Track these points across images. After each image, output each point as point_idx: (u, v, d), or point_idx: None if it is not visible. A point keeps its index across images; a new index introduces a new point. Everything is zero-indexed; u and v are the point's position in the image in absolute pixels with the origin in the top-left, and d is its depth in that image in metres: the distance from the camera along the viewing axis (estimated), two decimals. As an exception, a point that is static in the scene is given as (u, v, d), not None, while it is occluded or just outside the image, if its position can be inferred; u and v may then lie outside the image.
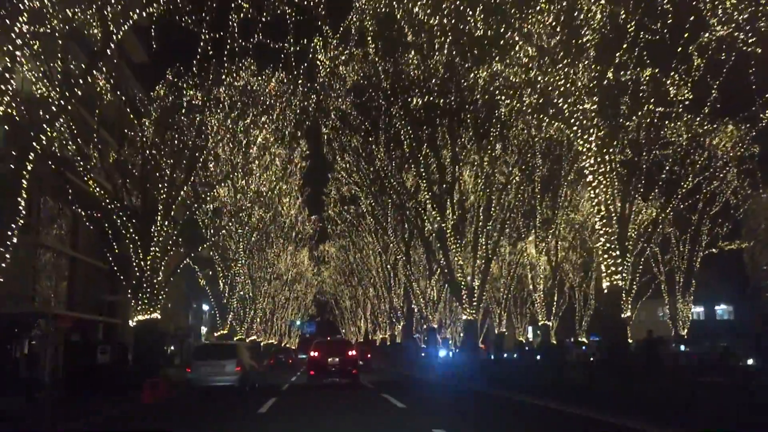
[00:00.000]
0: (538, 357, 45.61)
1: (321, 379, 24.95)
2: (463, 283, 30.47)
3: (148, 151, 23.44)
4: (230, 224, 41.00)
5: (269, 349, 56.22)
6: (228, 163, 39.13)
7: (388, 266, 51.32)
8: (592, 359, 33.85)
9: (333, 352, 25.79)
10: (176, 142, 24.47)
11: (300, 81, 33.76)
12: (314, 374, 25.35)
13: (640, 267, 31.20)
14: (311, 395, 21.23)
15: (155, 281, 23.41)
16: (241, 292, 45.48)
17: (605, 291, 18.23)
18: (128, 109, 24.23)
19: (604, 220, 17.55)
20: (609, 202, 17.83)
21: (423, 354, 45.00)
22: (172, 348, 49.78)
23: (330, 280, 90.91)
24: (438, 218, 30.85)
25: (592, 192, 17.70)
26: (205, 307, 61.80)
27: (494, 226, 31.95)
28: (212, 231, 38.77)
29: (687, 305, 44.23)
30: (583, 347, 47.53)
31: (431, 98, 29.60)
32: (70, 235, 36.91)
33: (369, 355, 44.63)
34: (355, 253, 67.33)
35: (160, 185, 23.70)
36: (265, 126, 42.73)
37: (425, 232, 40.82)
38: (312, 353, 26.44)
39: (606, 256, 17.73)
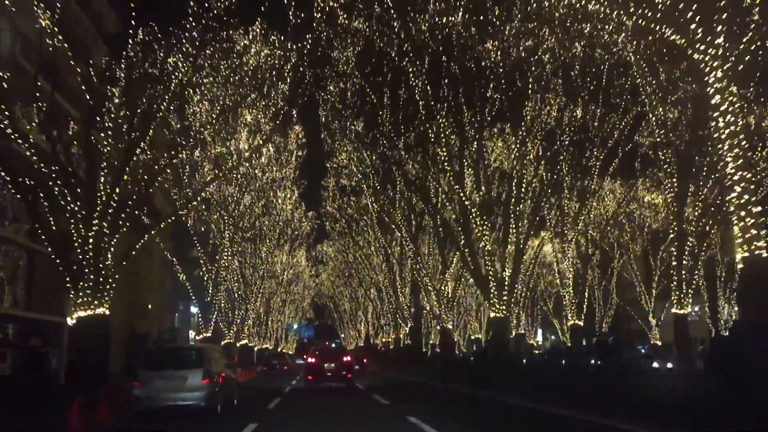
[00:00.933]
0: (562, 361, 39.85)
1: (318, 384, 25.55)
2: (491, 273, 24.56)
3: (94, 94, 17.44)
4: (215, 208, 35.14)
5: (262, 354, 50.00)
6: (211, 142, 33.37)
7: (393, 260, 45.36)
8: (670, 366, 27.98)
9: (329, 358, 26.42)
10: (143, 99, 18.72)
11: (296, 48, 28.31)
12: (312, 379, 26.02)
13: None
14: (305, 415, 15.42)
15: (102, 265, 17.41)
16: (230, 289, 39.55)
17: (743, 264, 12.26)
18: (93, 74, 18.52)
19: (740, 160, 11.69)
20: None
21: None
22: (154, 353, 43.65)
23: (328, 282, 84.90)
24: (461, 197, 25.03)
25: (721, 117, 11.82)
26: (194, 309, 55.75)
27: (527, 206, 26.21)
28: (194, 217, 32.93)
29: None
30: (641, 349, 41.60)
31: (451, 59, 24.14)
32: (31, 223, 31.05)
33: (366, 360, 44.88)
34: (356, 251, 61.45)
35: (106, 139, 17.80)
36: (255, 101, 37.13)
37: (438, 219, 35.07)
38: (309, 359, 27.30)
39: (744, 213, 11.81)
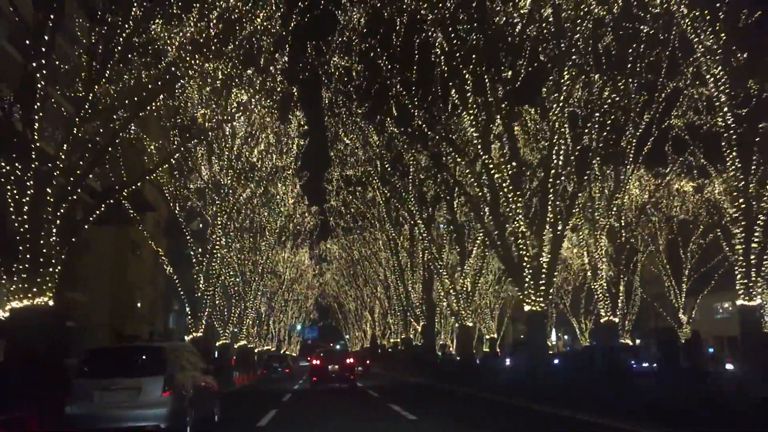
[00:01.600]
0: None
1: (323, 385, 26.09)
2: (526, 259, 20.43)
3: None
4: (209, 194, 31.17)
5: (263, 356, 45.74)
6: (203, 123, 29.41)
7: (403, 253, 41.23)
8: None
9: (333, 360, 27.34)
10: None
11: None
12: (317, 380, 26.49)
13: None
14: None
15: (42, 242, 13.28)
16: (226, 284, 35.47)
17: None
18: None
19: None
20: None
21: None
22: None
23: (333, 281, 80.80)
24: (487, 164, 20.95)
25: None
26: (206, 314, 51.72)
27: (567, 180, 22.21)
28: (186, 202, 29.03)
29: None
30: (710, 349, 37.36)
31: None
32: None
33: (368, 362, 45.81)
34: (362, 247, 57.37)
35: (52, 81, 13.69)
36: (251, 77, 33.16)
37: (456, 204, 31.03)
38: (314, 361, 27.98)
39: None
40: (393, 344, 55.09)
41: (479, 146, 20.78)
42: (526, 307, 20.78)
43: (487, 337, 50.64)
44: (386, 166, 37.25)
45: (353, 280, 67.45)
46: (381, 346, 63.89)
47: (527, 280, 20.44)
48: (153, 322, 43.05)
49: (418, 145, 32.85)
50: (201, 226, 32.86)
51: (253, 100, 34.97)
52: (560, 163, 20.45)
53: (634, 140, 28.11)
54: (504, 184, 20.28)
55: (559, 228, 20.88)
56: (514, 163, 20.68)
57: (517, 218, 20.30)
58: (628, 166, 29.22)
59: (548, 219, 20.46)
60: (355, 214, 54.39)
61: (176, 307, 48.12)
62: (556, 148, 20.24)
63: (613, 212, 30.15)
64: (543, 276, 20.43)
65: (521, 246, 20.42)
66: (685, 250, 43.05)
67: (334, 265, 75.85)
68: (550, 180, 20.28)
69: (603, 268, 30.87)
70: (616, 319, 31.47)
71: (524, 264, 20.47)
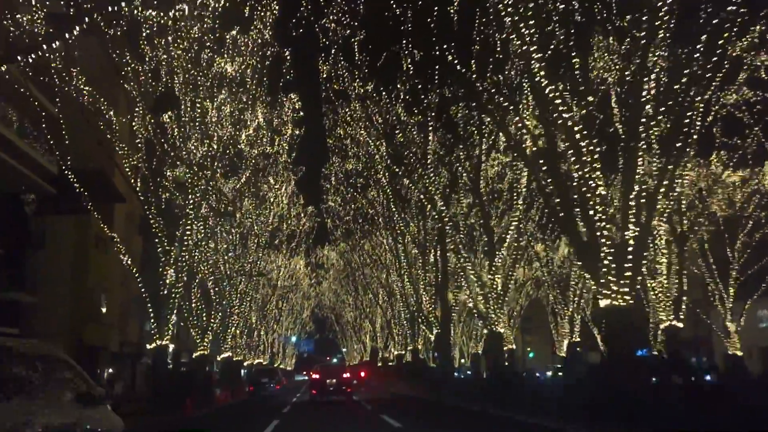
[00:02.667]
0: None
1: (322, 397, 26.63)
2: (604, 234, 14.24)
3: None
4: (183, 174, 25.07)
5: (260, 371, 38.91)
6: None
7: (412, 250, 35.06)
8: None
9: (331, 375, 28.10)
10: None
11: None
12: (316, 393, 27.19)
13: None
14: None
15: None
16: (206, 284, 29.21)
17: None
18: None
19: None
20: None
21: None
22: (110, 371, 33.01)
23: (330, 291, 74.37)
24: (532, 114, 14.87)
25: None
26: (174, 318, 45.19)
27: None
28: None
29: None
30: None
31: None
32: None
33: (363, 375, 45.31)
34: (362, 251, 51.21)
35: None
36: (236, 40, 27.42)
37: (481, 179, 25.04)
38: (314, 375, 28.87)
39: None
40: (396, 356, 48.61)
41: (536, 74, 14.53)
42: (604, 301, 14.53)
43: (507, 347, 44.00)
44: (395, 145, 31.28)
45: (352, 287, 61.17)
46: (383, 359, 57.35)
47: (606, 264, 14.24)
48: (125, 331, 36.55)
49: (430, 114, 26.93)
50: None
51: (239, 65, 29.09)
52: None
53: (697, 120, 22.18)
54: (575, 127, 14.12)
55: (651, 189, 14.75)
56: (590, 98, 14.50)
57: (593, 176, 14.12)
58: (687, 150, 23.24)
59: (637, 175, 14.29)
60: (355, 214, 48.37)
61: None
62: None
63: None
64: (629, 258, 14.23)
65: (599, 215, 14.23)
66: (732, 249, 36.96)
67: (331, 273, 69.55)
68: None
69: (662, 263, 24.74)
70: (680, 324, 25.21)
71: (603, 241, 14.26)
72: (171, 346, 24.58)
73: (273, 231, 50.04)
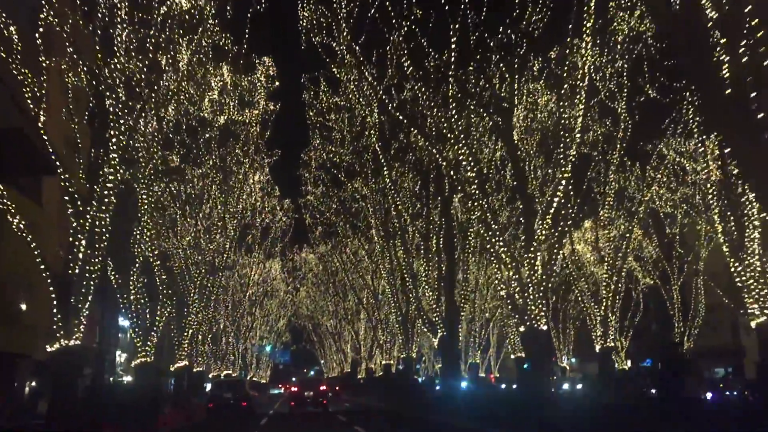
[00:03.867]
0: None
1: (300, 409, 27.81)
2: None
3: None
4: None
5: (222, 384, 31.13)
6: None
7: (416, 237, 28.35)
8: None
9: (308, 387, 30.01)
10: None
11: None
12: (294, 405, 28.70)
13: None
14: None
15: None
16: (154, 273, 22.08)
17: None
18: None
19: None
20: None
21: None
22: (33, 384, 25.58)
23: (307, 300, 67.06)
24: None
25: None
26: (125, 323, 37.68)
27: None
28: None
29: None
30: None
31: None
32: None
33: (338, 388, 46.94)
34: (345, 250, 44.53)
35: None
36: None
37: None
38: (293, 388, 32.94)
39: None
40: (384, 367, 41.64)
41: None
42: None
43: (515, 356, 37.06)
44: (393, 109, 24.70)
45: (334, 292, 54.17)
46: (367, 370, 50.25)
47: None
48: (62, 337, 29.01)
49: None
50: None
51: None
52: None
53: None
54: None
55: None
56: None
57: None
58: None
59: None
60: (338, 209, 41.68)
61: (106, 317, 34.04)
62: None
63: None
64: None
65: None
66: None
67: (309, 278, 62.36)
68: None
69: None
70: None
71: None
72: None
73: (244, 225, 43.27)
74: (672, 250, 35.50)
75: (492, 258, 18.17)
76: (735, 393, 27.74)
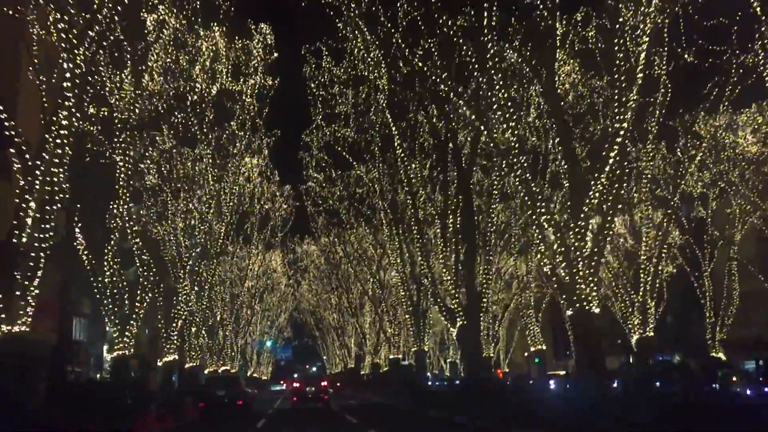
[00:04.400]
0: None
1: (302, 404, 27.92)
2: None
3: None
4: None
5: (215, 380, 27.62)
6: None
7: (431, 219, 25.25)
8: None
9: (310, 383, 29.93)
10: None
11: None
12: (297, 400, 28.62)
13: None
14: None
15: None
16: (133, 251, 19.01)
17: None
18: None
19: None
20: None
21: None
22: None
23: (309, 294, 63.87)
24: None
25: None
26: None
27: None
28: None
29: None
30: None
31: None
32: None
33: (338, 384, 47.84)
34: (350, 240, 41.48)
35: None
36: None
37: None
38: (295, 384, 31.66)
39: None
40: (391, 362, 38.49)
41: None
42: None
43: (534, 348, 33.80)
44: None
45: (337, 284, 51.04)
46: (373, 365, 47.09)
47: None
48: (44, 332, 25.90)
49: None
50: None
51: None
52: None
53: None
54: None
55: None
56: None
57: None
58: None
59: None
60: (342, 195, 38.72)
61: (86, 310, 30.93)
62: None
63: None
64: None
65: None
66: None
67: (311, 271, 59.18)
68: None
69: None
70: None
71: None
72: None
73: (242, 214, 40.23)
74: (703, 233, 32.44)
75: (534, 227, 14.97)
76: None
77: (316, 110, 32.60)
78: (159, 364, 24.80)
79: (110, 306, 18.18)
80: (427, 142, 25.17)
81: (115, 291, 18.04)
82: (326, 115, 32.87)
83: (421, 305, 30.39)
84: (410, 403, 25.93)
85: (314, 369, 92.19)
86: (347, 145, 33.58)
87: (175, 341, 23.81)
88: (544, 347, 33.40)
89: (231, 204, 31.88)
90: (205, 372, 34.88)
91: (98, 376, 30.64)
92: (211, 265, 28.42)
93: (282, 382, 67.23)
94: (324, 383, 29.76)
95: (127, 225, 18.25)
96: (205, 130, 28.29)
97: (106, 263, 17.88)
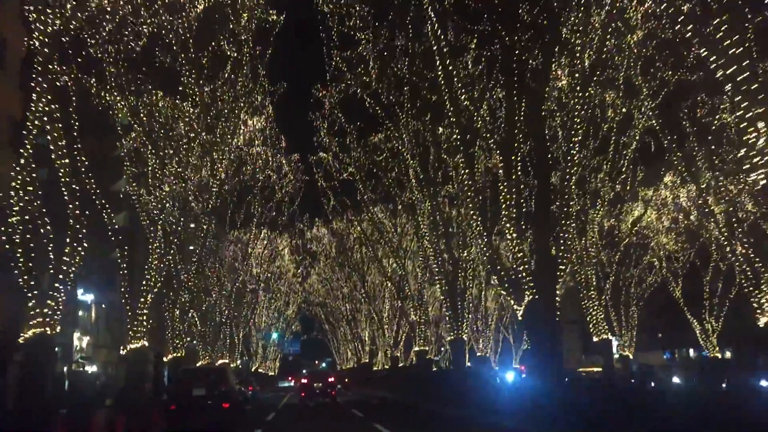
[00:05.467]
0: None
1: (310, 399, 27.51)
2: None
3: None
4: None
5: (191, 374, 20.99)
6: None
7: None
8: None
9: (318, 379, 30.19)
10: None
11: None
12: (305, 396, 28.32)
13: None
14: None
15: None
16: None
17: None
18: None
19: None
20: None
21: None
22: None
23: (319, 284, 57.44)
24: None
25: None
26: (87, 297, 28.15)
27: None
28: None
29: None
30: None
31: None
32: None
33: (347, 380, 46.18)
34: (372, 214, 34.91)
35: None
36: None
37: None
38: (303, 380, 31.12)
39: None
40: (417, 355, 31.87)
41: None
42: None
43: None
44: None
45: (350, 271, 44.71)
46: (392, 359, 40.56)
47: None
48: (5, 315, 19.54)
49: None
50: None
51: None
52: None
53: None
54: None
55: None
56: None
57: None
58: None
59: None
60: (362, 158, 32.36)
61: (62, 288, 24.49)
62: None
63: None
64: None
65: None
66: None
67: (321, 259, 52.64)
68: None
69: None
70: None
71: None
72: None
73: (244, 188, 34.20)
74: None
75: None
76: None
77: (330, 51, 26.06)
78: (122, 353, 18.42)
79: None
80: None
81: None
82: (344, 59, 26.41)
83: (459, 282, 23.92)
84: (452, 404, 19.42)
85: (324, 365, 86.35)
86: (371, 96, 27.06)
87: (144, 323, 17.35)
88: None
89: (224, 166, 25.61)
90: (197, 365, 28.44)
91: (65, 369, 24.41)
92: (199, 230, 22.03)
93: (290, 378, 60.86)
94: (331, 379, 30.28)
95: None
96: (192, 71, 22.01)
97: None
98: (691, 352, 44.29)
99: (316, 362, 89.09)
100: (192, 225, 22.37)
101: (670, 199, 32.45)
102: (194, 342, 29.68)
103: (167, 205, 19.94)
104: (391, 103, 25.59)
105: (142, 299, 17.29)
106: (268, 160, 35.15)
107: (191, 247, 23.28)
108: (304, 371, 46.40)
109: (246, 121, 29.79)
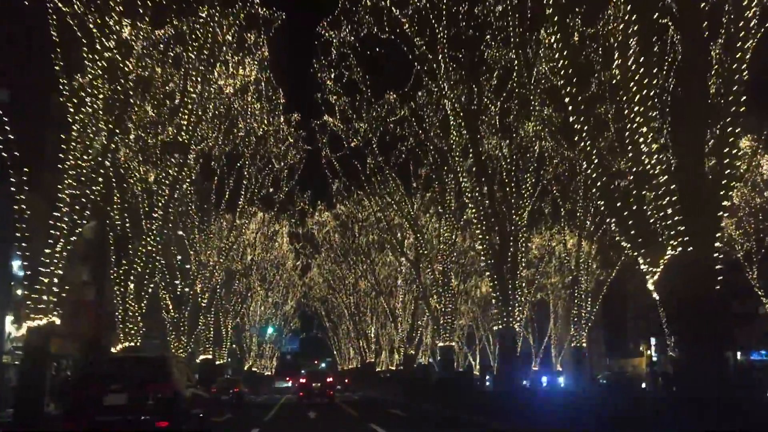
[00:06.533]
0: None
1: (308, 399, 27.40)
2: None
3: None
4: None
5: (126, 368, 14.26)
6: None
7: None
8: None
9: (316, 380, 29.84)
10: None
11: None
12: (303, 395, 28.31)
13: None
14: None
15: None
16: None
17: None
18: None
19: None
20: None
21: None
22: None
23: (320, 278, 50.81)
24: None
25: None
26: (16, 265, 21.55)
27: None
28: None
29: None
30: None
31: None
32: None
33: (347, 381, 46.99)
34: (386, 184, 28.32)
35: None
36: None
37: None
38: (301, 380, 30.67)
39: None
40: (444, 350, 25.21)
41: None
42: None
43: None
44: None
45: (355, 259, 38.34)
46: (406, 357, 33.94)
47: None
48: None
49: None
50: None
51: None
52: None
53: None
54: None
55: None
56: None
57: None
58: None
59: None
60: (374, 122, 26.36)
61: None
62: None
63: None
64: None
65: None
66: None
67: (323, 247, 45.96)
68: None
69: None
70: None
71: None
72: None
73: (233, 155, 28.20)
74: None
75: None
76: None
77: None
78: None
79: None
80: None
81: None
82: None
83: (509, 253, 17.36)
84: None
85: (323, 365, 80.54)
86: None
87: (52, 290, 10.80)
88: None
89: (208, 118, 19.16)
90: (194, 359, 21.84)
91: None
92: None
93: (288, 378, 54.62)
94: (330, 379, 30.16)
95: None
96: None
97: None
98: None
99: (316, 362, 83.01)
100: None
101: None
102: (168, 331, 23.22)
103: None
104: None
105: (49, 250, 10.75)
106: (262, 119, 28.62)
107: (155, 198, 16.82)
108: (303, 371, 41.27)
109: (235, 59, 23.36)
